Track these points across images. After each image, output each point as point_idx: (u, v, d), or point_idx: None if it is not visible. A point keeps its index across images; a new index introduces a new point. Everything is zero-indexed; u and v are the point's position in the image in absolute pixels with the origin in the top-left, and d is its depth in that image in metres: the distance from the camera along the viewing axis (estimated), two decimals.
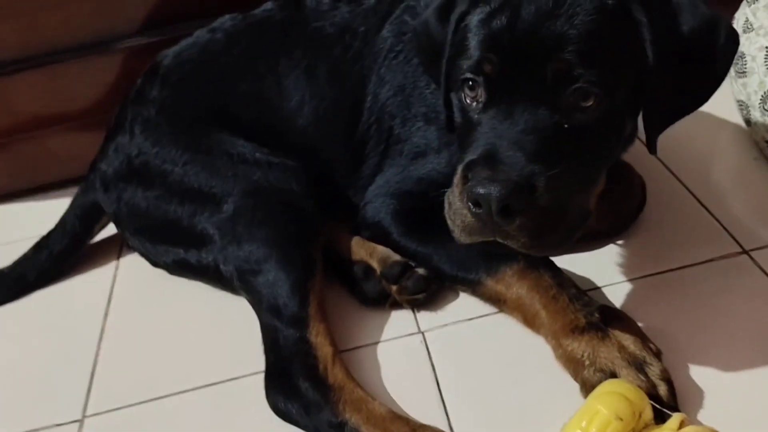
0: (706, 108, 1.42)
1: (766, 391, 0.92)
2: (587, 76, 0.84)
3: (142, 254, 1.31)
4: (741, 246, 1.14)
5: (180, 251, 1.22)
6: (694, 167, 1.32)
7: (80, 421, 1.08)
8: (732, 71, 1.34)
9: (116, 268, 1.38)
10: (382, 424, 0.92)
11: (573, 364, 0.94)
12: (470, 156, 0.86)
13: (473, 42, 0.90)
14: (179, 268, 1.26)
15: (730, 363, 0.96)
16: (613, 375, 0.90)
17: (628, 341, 0.94)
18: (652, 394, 0.87)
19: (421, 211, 1.14)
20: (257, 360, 1.07)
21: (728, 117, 1.41)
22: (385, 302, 1.16)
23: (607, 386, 0.84)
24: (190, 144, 1.22)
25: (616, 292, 1.10)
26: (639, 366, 0.90)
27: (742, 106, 1.32)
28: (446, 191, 0.91)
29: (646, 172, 1.24)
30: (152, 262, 1.30)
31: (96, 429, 1.07)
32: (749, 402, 0.91)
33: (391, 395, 1.02)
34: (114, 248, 1.42)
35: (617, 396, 0.80)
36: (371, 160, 1.24)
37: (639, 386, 0.86)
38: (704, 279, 1.10)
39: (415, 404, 1.00)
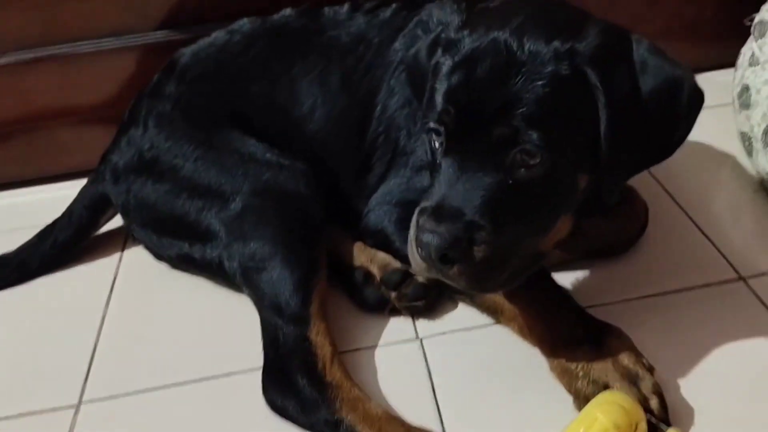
0: (709, 140, 1.49)
1: (754, 413, 0.93)
2: (533, 141, 0.87)
3: (147, 247, 1.32)
4: (737, 272, 1.16)
5: (185, 245, 1.24)
6: (696, 196, 1.35)
7: (76, 407, 1.09)
8: (736, 104, 1.37)
9: (120, 260, 1.39)
10: (378, 423, 0.93)
11: (567, 376, 0.95)
12: (426, 202, 0.92)
13: (439, 91, 0.93)
14: (183, 262, 1.28)
15: (721, 384, 0.98)
16: (606, 387, 0.91)
17: (622, 355, 0.95)
18: (644, 408, 0.88)
19: None
20: (255, 357, 1.07)
21: (731, 149, 1.44)
22: (384, 308, 1.17)
23: (606, 396, 0.86)
24: (202, 140, 1.24)
25: (614, 310, 1.11)
26: (632, 379, 0.92)
27: (745, 137, 1.34)
28: None
29: (650, 197, 1.26)
30: (156, 255, 1.32)
31: (92, 415, 1.07)
32: (738, 422, 0.93)
33: (387, 398, 1.03)
34: (119, 240, 1.43)
35: (616, 406, 0.82)
36: (377, 170, 1.26)
37: None
38: (700, 303, 1.12)
39: (411, 408, 1.00)
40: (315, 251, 1.14)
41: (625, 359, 0.94)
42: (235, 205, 1.17)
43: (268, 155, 1.22)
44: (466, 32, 0.93)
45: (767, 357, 1.01)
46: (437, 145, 0.94)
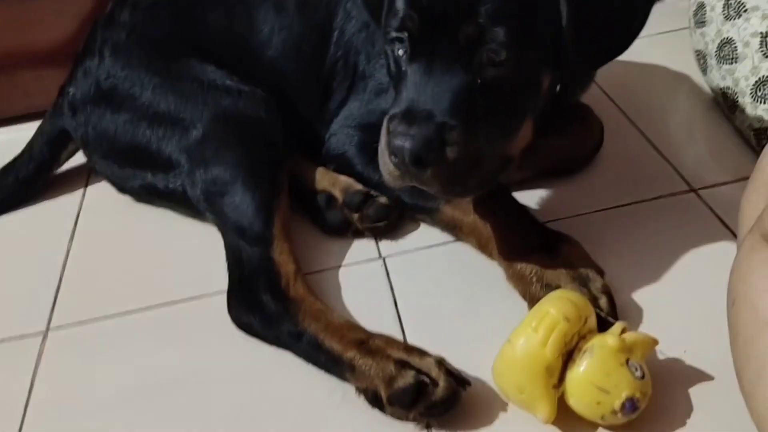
0: (666, 62, 1.51)
1: (702, 312, 0.96)
2: (499, 37, 0.87)
3: (110, 179, 1.32)
4: (689, 185, 1.19)
5: (147, 175, 1.24)
6: (651, 115, 1.37)
7: (44, 333, 1.10)
8: (692, 22, 1.39)
9: (83, 195, 1.39)
10: (339, 331, 0.96)
11: (521, 282, 0.99)
12: (394, 109, 0.91)
13: (397, 3, 0.92)
14: (146, 193, 1.28)
15: (670, 287, 1.02)
16: (558, 289, 0.94)
17: (574, 260, 0.98)
18: (594, 306, 0.91)
19: None
20: (220, 280, 1.09)
21: (687, 70, 1.46)
22: (347, 231, 1.19)
23: (557, 293, 0.89)
24: (160, 68, 1.23)
25: (570, 224, 1.14)
26: (582, 281, 0.96)
27: (700, 55, 1.36)
28: None
29: (605, 117, 1.29)
30: (119, 188, 1.32)
31: (59, 341, 1.09)
32: (687, 320, 0.96)
33: (352, 315, 1.06)
34: (82, 176, 1.43)
35: (566, 301, 0.84)
36: (337, 95, 1.26)
37: None
38: (653, 214, 1.15)
39: (374, 322, 1.02)
40: (276, 174, 1.15)
41: (576, 263, 0.98)
42: (196, 132, 1.18)
43: (227, 82, 1.21)
44: None
45: (715, 262, 1.03)
46: (401, 53, 0.93)
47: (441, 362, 0.88)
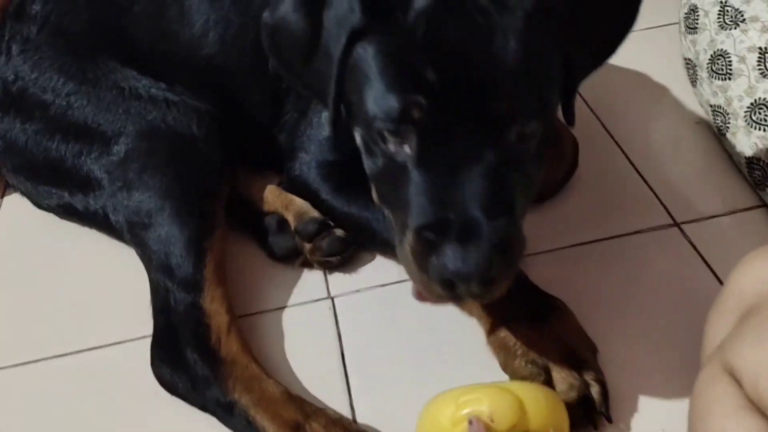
0: (653, 63, 1.37)
1: (682, 349, 0.89)
2: (532, 107, 0.71)
3: (24, 194, 1.16)
4: (672, 218, 1.08)
5: (65, 194, 1.09)
6: (634, 130, 1.24)
7: None
8: (682, 26, 1.25)
9: None
10: (274, 406, 0.84)
11: (504, 352, 0.86)
12: (418, 218, 0.71)
13: (385, 79, 0.70)
14: (65, 213, 1.13)
15: (651, 324, 0.94)
16: (546, 369, 0.83)
17: (565, 333, 0.86)
18: (584, 395, 0.81)
19: (352, 169, 1.02)
20: (146, 323, 0.96)
21: (675, 76, 1.33)
22: (294, 259, 1.07)
23: (529, 387, 0.77)
24: (74, 72, 1.06)
25: (543, 260, 1.03)
26: (574, 365, 0.83)
27: (690, 65, 1.23)
28: None
29: (582, 128, 1.12)
30: (36, 204, 1.16)
31: None
32: (667, 365, 0.89)
33: (293, 367, 0.94)
34: None
35: (518, 401, 0.72)
36: (291, 97, 1.09)
37: (571, 384, 0.81)
38: (631, 252, 1.04)
39: (317, 377, 0.92)
40: (210, 202, 1.01)
41: (568, 338, 0.86)
42: (117, 149, 1.02)
43: (153, 90, 1.06)
44: None
45: (695, 308, 0.93)
46: (393, 146, 0.72)
47: None
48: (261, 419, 0.83)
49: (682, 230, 1.07)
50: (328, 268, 1.06)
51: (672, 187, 1.13)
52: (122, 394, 0.93)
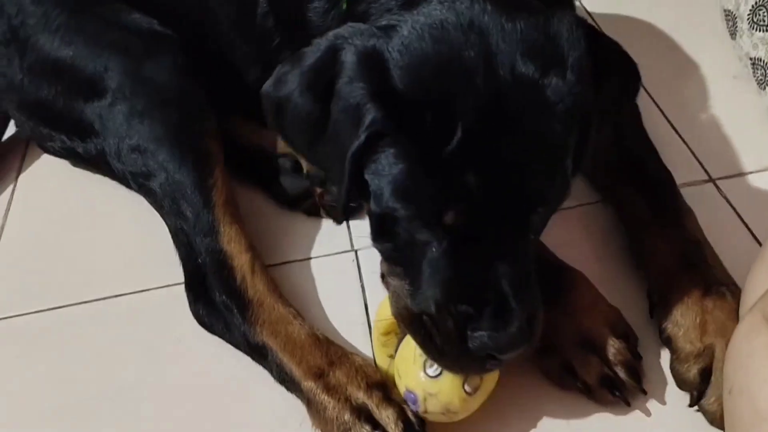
0: (687, 17, 1.33)
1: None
2: (555, 193, 0.71)
3: (30, 138, 1.17)
4: (708, 174, 1.05)
5: (65, 138, 1.08)
6: (668, 82, 1.21)
7: None
8: None
9: (21, 162, 1.23)
10: (300, 351, 0.84)
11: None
12: (444, 293, 0.71)
13: (415, 182, 0.67)
14: (71, 157, 1.13)
15: None
16: (560, 354, 0.81)
17: (581, 311, 0.83)
18: (606, 376, 0.80)
19: None
20: (175, 270, 0.96)
21: (712, 28, 1.28)
22: (302, 202, 1.06)
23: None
24: (68, 3, 1.05)
25: (572, 215, 1.01)
26: (590, 345, 0.81)
27: (729, 16, 1.19)
28: None
29: None
30: (43, 148, 1.16)
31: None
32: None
33: (319, 311, 0.95)
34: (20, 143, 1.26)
35: None
36: (284, 56, 1.01)
37: (588, 369, 0.80)
38: None
39: (344, 325, 0.93)
40: (203, 141, 0.99)
41: (585, 317, 0.82)
42: (104, 88, 1.01)
43: (139, 21, 1.03)
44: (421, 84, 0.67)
45: (733, 258, 0.90)
46: (419, 236, 0.71)
47: (402, 414, 0.77)
48: (288, 363, 0.84)
49: (717, 186, 1.04)
50: (337, 218, 1.03)
51: (708, 142, 1.10)
52: (165, 336, 0.94)
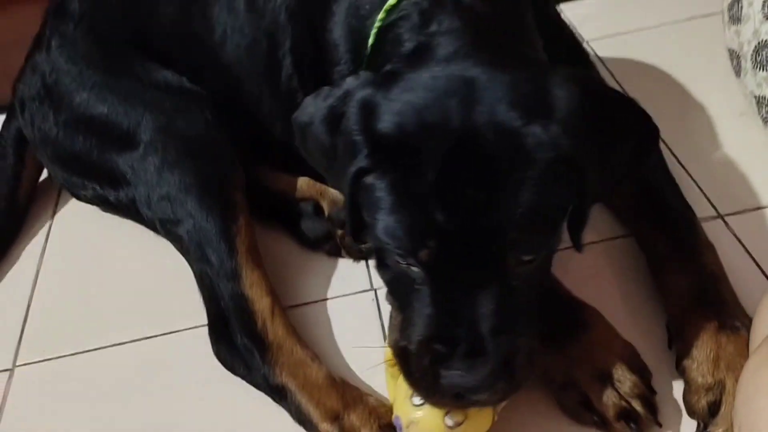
0: (696, 55, 1.36)
1: None
2: (531, 243, 0.72)
3: (63, 186, 1.22)
4: (716, 210, 1.08)
5: (96, 186, 1.14)
6: (676, 120, 1.23)
7: (11, 370, 1.03)
8: (725, 17, 1.24)
9: (55, 207, 1.29)
10: (318, 393, 0.87)
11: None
12: (426, 330, 0.74)
13: (395, 216, 0.72)
14: (102, 204, 1.18)
15: None
16: (577, 390, 0.83)
17: (596, 349, 0.84)
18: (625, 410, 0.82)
19: None
20: (199, 313, 1.00)
21: (718, 66, 1.31)
22: (325, 244, 1.10)
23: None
24: (100, 64, 1.11)
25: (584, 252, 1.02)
26: (605, 380, 0.82)
27: (733, 55, 1.22)
28: None
29: None
30: (75, 195, 1.21)
31: (27, 378, 1.02)
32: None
33: (338, 352, 0.98)
34: (53, 191, 1.32)
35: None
36: None
37: (605, 403, 0.82)
38: None
39: (363, 366, 0.95)
40: (229, 190, 1.03)
41: (599, 354, 0.84)
42: (137, 142, 1.06)
43: (170, 78, 1.10)
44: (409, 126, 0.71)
45: (743, 295, 0.91)
46: (406, 267, 0.74)
47: None
48: (306, 405, 0.87)
49: (726, 222, 1.06)
50: (356, 257, 1.09)
51: (715, 179, 1.12)
52: (182, 376, 0.98)
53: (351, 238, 0.83)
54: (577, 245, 0.78)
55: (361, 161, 0.72)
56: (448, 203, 0.69)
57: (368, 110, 0.73)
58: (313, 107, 0.82)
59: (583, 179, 0.72)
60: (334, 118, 0.78)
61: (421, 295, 0.74)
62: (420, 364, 0.74)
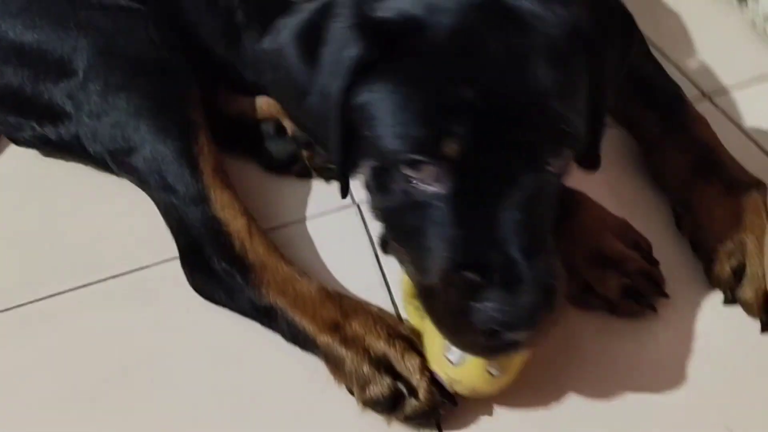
0: None
1: None
2: (567, 132, 0.63)
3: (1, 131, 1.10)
4: (701, 90, 1.04)
5: (35, 125, 1.02)
6: (651, 8, 1.20)
7: None
8: None
9: None
10: (312, 306, 0.79)
11: None
12: (454, 257, 0.63)
13: (411, 112, 0.62)
14: (44, 146, 1.06)
15: None
16: (576, 275, 0.79)
17: (589, 230, 0.80)
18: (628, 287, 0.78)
19: None
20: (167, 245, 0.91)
21: None
22: (291, 166, 1.02)
23: None
24: None
25: None
26: (603, 261, 0.79)
27: None
28: None
29: None
30: (12, 140, 1.09)
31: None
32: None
33: (328, 270, 0.91)
34: None
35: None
36: (250, 32, 0.99)
37: (607, 284, 0.78)
38: None
39: (356, 279, 0.88)
40: (185, 109, 0.94)
41: (594, 235, 0.80)
42: (75, 69, 0.95)
43: None
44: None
45: None
46: (415, 182, 0.64)
47: (426, 368, 0.72)
48: (300, 320, 0.79)
49: (713, 102, 1.03)
50: (327, 176, 1.01)
51: (697, 60, 1.10)
52: (164, 313, 0.89)
53: (340, 172, 0.73)
54: (596, 159, 0.74)
55: (358, 57, 0.63)
56: (473, 78, 0.60)
57: (360, 5, 0.65)
58: (284, 30, 0.72)
59: (603, 65, 0.67)
60: (315, 28, 0.67)
61: (440, 215, 0.64)
62: (447, 300, 0.64)
